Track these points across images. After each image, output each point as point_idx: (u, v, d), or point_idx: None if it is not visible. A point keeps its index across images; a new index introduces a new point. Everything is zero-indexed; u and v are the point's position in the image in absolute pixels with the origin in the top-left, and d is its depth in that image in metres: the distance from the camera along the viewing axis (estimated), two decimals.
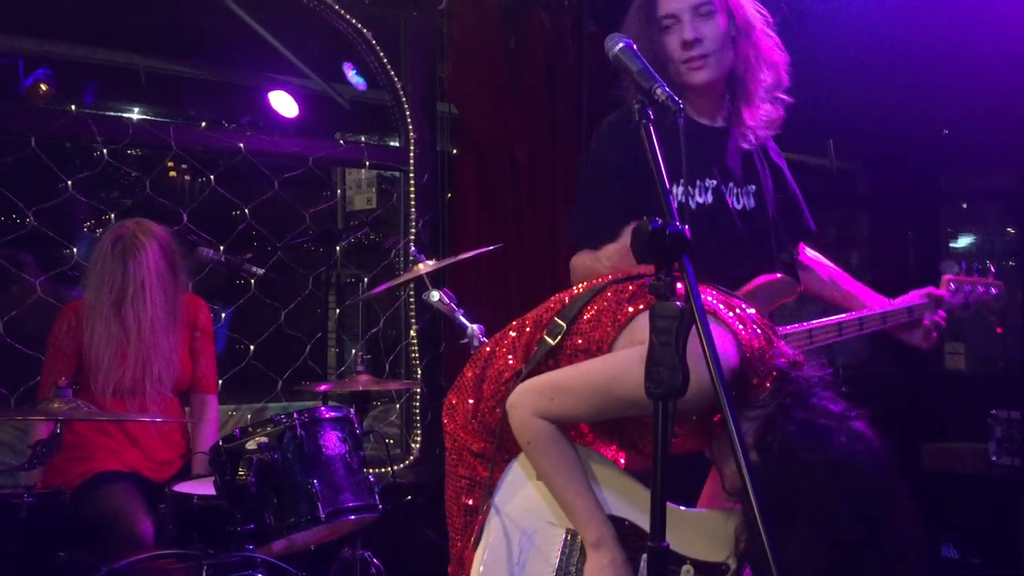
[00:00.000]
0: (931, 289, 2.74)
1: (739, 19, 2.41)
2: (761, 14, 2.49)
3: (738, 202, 2.49)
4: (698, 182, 2.37)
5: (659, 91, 1.72)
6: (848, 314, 2.60)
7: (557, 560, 1.93)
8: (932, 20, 4.59)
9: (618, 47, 1.85)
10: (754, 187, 2.54)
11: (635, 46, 1.84)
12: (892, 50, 4.79)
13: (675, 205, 2.31)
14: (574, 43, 5.04)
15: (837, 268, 2.82)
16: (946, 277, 2.79)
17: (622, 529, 1.92)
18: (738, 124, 2.45)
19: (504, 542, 1.93)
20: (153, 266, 3.39)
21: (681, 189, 2.35)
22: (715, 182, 2.45)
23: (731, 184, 2.49)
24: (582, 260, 2.44)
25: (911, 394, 5.72)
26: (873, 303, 2.70)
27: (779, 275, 2.44)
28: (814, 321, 2.51)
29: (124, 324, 3.37)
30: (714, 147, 2.48)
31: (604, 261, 2.33)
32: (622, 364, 1.81)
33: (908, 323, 2.69)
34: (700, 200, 2.37)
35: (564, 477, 1.89)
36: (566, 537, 1.94)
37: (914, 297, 2.71)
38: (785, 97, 2.51)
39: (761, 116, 2.47)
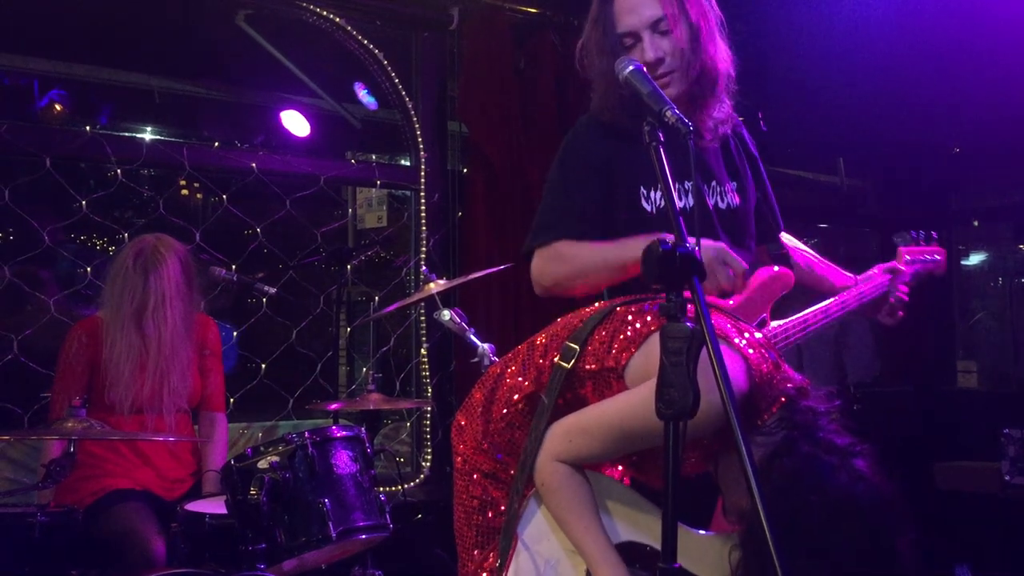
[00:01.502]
0: (893, 264, 2.77)
1: (703, 25, 2.35)
2: (713, 11, 2.42)
3: (722, 200, 2.44)
4: (677, 186, 2.28)
5: (669, 113, 1.73)
6: (832, 300, 2.59)
7: None
8: (943, 39, 4.61)
9: (628, 70, 1.87)
10: (736, 183, 2.49)
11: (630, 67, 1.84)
12: (903, 69, 4.80)
13: (653, 211, 2.33)
14: None
15: (808, 252, 2.80)
16: (902, 249, 2.83)
17: (643, 554, 1.91)
18: (707, 121, 2.41)
19: (530, 572, 1.93)
20: (173, 280, 3.43)
21: (658, 195, 2.31)
22: (693, 184, 2.40)
23: (713, 183, 2.44)
24: (561, 249, 2.29)
25: (923, 412, 5.71)
26: (845, 283, 2.73)
27: (776, 269, 2.43)
28: (806, 311, 2.51)
29: (144, 336, 3.39)
30: (688, 147, 2.42)
31: (600, 256, 2.23)
32: (636, 401, 1.81)
33: (875, 301, 2.72)
34: (680, 205, 2.30)
35: (576, 519, 1.89)
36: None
37: (878, 273, 2.74)
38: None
39: (725, 109, 2.44)
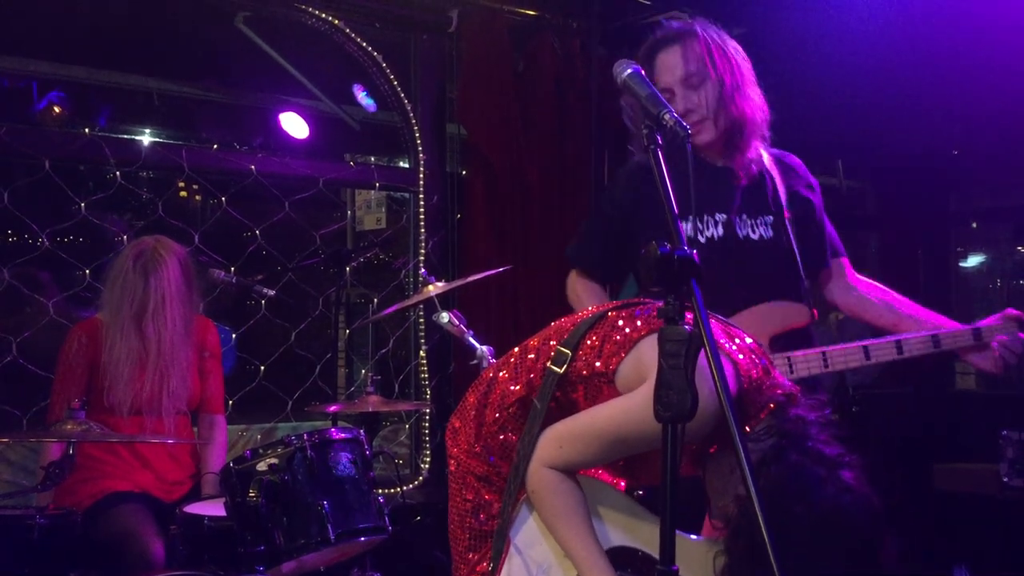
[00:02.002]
0: (1010, 310, 2.62)
1: (728, 79, 2.54)
2: (745, 64, 2.61)
3: (753, 232, 2.57)
4: (707, 216, 2.51)
5: (667, 116, 1.72)
6: (879, 338, 2.57)
7: None
8: (942, 40, 4.61)
9: (627, 73, 1.86)
10: (771, 217, 2.61)
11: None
12: (902, 70, 4.80)
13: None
14: (583, 66, 5.07)
15: (894, 293, 2.78)
16: None
17: (634, 559, 1.92)
18: (740, 160, 2.60)
19: None
20: (173, 281, 3.43)
21: (690, 224, 2.48)
22: (725, 216, 2.55)
23: (744, 216, 2.58)
24: (575, 284, 2.82)
25: (922, 414, 5.70)
26: (937, 326, 2.60)
27: (781, 303, 2.46)
28: (831, 346, 2.50)
29: (144, 338, 3.40)
30: (721, 183, 2.59)
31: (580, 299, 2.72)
32: (626, 407, 1.81)
33: (976, 346, 2.59)
34: (709, 234, 2.49)
35: (566, 525, 1.89)
36: None
37: (991, 319, 2.60)
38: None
39: (757, 150, 2.63)
